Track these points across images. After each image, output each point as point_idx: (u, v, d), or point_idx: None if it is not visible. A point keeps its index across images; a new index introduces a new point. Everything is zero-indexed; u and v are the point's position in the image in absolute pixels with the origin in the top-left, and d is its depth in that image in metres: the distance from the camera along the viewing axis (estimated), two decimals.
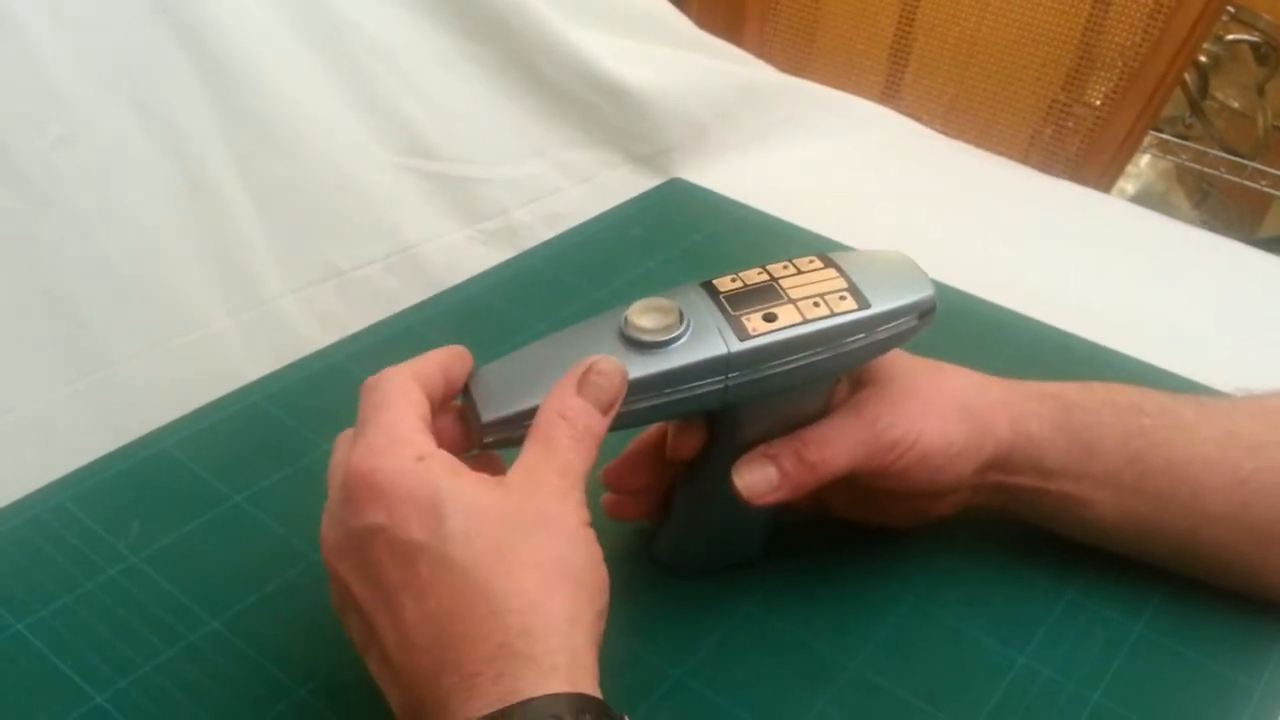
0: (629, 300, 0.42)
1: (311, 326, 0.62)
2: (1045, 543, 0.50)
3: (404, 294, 0.66)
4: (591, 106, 0.78)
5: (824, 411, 0.45)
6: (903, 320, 0.43)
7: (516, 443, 0.39)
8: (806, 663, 0.46)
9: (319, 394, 0.58)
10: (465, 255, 0.70)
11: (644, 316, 0.41)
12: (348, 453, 0.37)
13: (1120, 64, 1.11)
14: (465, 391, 0.42)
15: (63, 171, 0.55)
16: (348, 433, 0.39)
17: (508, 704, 0.32)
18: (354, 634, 0.38)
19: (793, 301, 0.42)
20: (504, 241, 0.72)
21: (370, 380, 0.40)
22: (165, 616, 0.46)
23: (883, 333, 0.43)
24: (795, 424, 0.45)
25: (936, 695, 0.44)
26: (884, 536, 0.51)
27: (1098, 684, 0.45)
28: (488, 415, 0.40)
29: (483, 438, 0.40)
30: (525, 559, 0.35)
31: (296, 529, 0.50)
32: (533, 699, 0.32)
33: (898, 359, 0.46)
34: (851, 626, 0.47)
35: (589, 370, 0.39)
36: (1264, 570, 0.47)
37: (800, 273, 0.44)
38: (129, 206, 0.57)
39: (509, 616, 0.33)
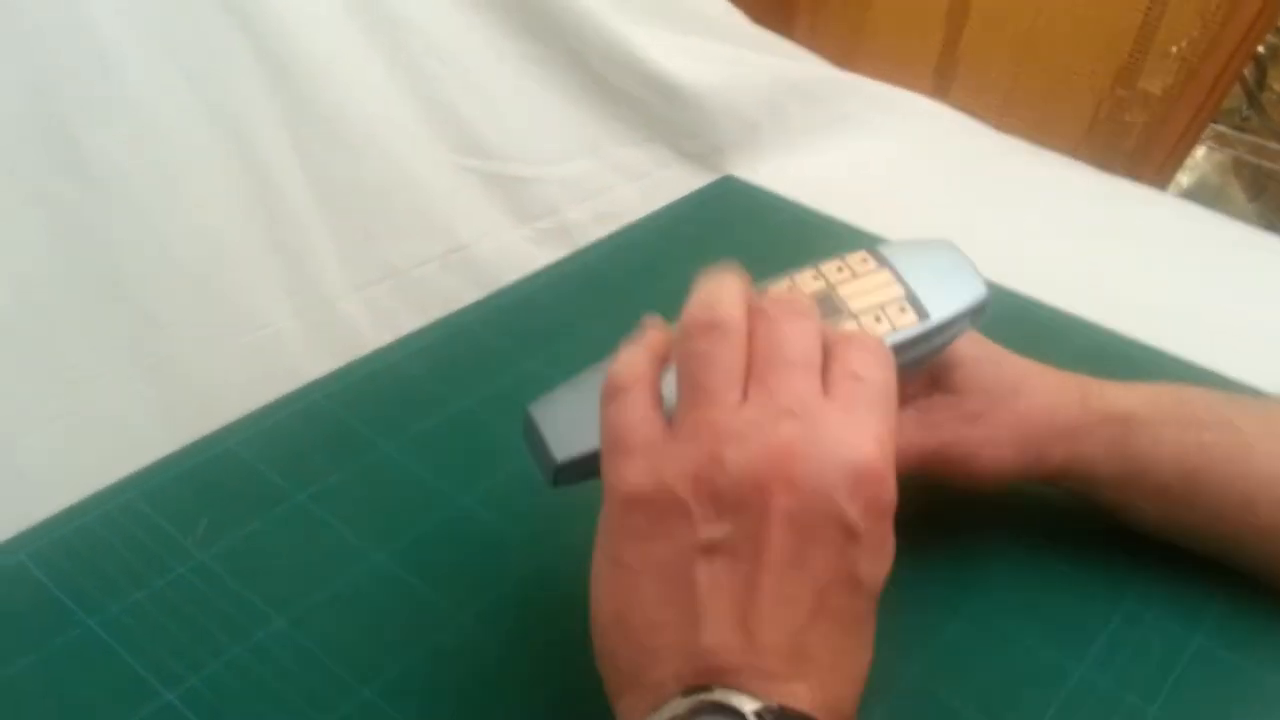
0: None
1: (371, 325, 0.63)
2: (1105, 551, 0.50)
3: (460, 293, 0.67)
4: (644, 104, 0.78)
5: None
6: (960, 325, 0.43)
7: (587, 477, 0.38)
8: None
9: (377, 393, 0.59)
10: (519, 254, 0.70)
11: None
12: None
13: (1179, 58, 1.09)
14: (528, 423, 0.40)
15: (132, 169, 0.56)
16: None
17: None
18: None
19: (854, 316, 0.41)
20: (557, 240, 0.73)
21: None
22: (233, 614, 0.47)
23: (939, 340, 0.43)
24: None
25: (993, 705, 0.44)
26: (945, 545, 0.51)
27: (1155, 696, 0.45)
28: (562, 455, 0.38)
29: (555, 478, 0.39)
30: None
31: (358, 528, 0.51)
32: None
33: (980, 368, 0.47)
34: (910, 633, 0.47)
35: None
36: None
37: (855, 276, 0.43)
38: (196, 204, 0.58)
39: None
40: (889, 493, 0.33)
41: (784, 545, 0.32)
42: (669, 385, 0.35)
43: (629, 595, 0.33)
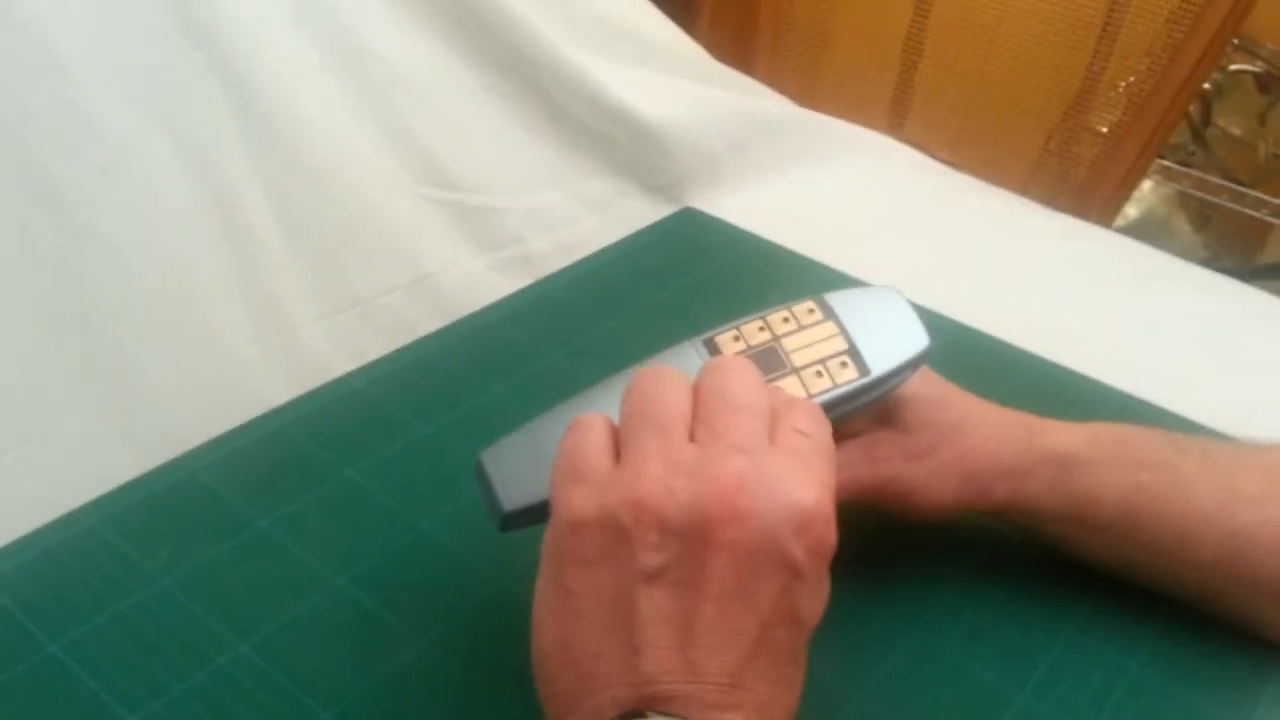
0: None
1: (334, 353, 0.64)
2: (1048, 579, 0.52)
3: (423, 321, 0.68)
4: (607, 137, 0.79)
5: None
6: (900, 377, 0.45)
7: (535, 523, 0.38)
8: (812, 694, 0.46)
9: (341, 420, 0.60)
10: (483, 283, 0.72)
11: None
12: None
13: (1125, 98, 1.13)
14: (479, 470, 0.41)
15: (100, 200, 0.57)
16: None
17: None
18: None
19: (796, 371, 0.43)
20: (520, 270, 0.74)
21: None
22: (195, 639, 0.47)
23: (879, 391, 0.44)
24: None
25: None
26: (891, 573, 0.52)
27: None
28: (509, 505, 0.40)
29: (504, 525, 0.40)
30: None
31: (320, 553, 0.52)
32: None
33: (929, 407, 0.48)
34: (858, 659, 0.48)
35: None
36: (1251, 613, 0.49)
37: (801, 328, 0.44)
38: (162, 234, 0.59)
39: None
40: (831, 537, 0.34)
41: (728, 577, 0.33)
42: None
43: (571, 621, 0.34)
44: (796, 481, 0.34)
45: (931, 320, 0.47)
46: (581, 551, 0.34)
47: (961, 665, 0.49)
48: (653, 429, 0.35)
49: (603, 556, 0.34)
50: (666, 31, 0.91)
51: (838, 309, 0.45)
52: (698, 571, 0.33)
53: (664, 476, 0.34)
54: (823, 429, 0.37)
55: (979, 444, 0.48)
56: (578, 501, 0.35)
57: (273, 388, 0.61)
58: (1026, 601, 0.52)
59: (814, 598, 0.35)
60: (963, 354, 0.52)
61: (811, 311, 0.45)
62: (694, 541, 0.33)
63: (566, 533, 0.35)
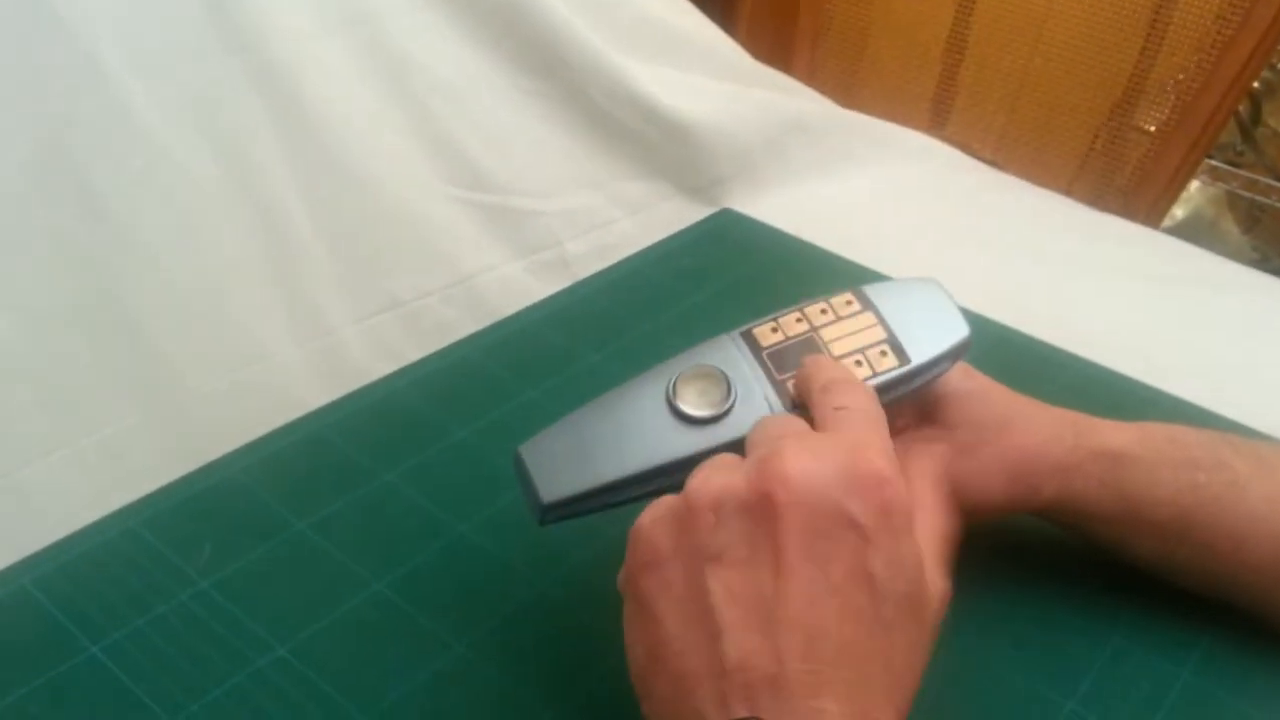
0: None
1: (372, 356, 0.64)
2: (1096, 585, 0.51)
3: (461, 324, 0.68)
4: (644, 139, 0.79)
5: None
6: (941, 367, 0.44)
7: (574, 516, 0.39)
8: None
9: (378, 422, 0.60)
10: (520, 286, 0.71)
11: (692, 389, 0.41)
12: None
13: (1173, 97, 1.11)
14: (518, 463, 0.42)
15: (142, 205, 0.57)
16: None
17: None
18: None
19: (836, 360, 0.43)
20: (558, 272, 0.74)
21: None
22: (234, 641, 0.47)
23: (920, 380, 0.44)
24: None
25: None
26: None
27: None
28: (548, 497, 0.40)
29: (544, 517, 0.41)
30: None
31: (358, 556, 0.52)
32: None
33: (970, 402, 0.47)
34: None
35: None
36: None
37: (839, 318, 0.44)
38: (202, 239, 0.60)
39: None
40: (893, 490, 0.34)
41: (791, 546, 0.33)
42: None
43: (653, 627, 0.35)
44: (841, 445, 0.35)
45: (975, 322, 0.46)
46: (648, 556, 0.35)
47: (1007, 673, 0.48)
48: (708, 467, 0.37)
49: (668, 554, 0.35)
50: (705, 31, 0.90)
51: (875, 300, 0.45)
52: (760, 546, 0.33)
53: (716, 477, 0.35)
54: (865, 397, 0.38)
55: (1026, 439, 0.47)
56: (643, 519, 0.36)
57: (311, 391, 0.61)
58: (1074, 608, 0.51)
59: (890, 558, 0.34)
60: (1008, 356, 0.51)
61: (850, 303, 0.45)
62: (752, 517, 0.34)
63: (633, 546, 0.36)
